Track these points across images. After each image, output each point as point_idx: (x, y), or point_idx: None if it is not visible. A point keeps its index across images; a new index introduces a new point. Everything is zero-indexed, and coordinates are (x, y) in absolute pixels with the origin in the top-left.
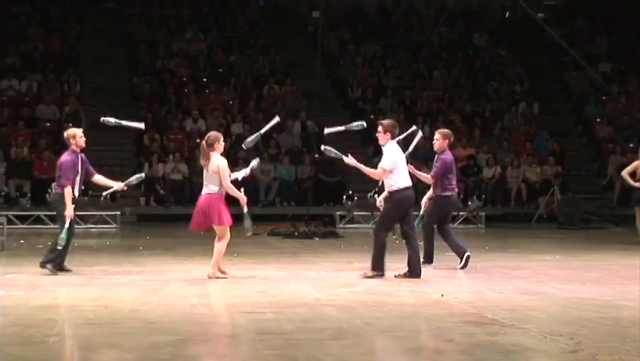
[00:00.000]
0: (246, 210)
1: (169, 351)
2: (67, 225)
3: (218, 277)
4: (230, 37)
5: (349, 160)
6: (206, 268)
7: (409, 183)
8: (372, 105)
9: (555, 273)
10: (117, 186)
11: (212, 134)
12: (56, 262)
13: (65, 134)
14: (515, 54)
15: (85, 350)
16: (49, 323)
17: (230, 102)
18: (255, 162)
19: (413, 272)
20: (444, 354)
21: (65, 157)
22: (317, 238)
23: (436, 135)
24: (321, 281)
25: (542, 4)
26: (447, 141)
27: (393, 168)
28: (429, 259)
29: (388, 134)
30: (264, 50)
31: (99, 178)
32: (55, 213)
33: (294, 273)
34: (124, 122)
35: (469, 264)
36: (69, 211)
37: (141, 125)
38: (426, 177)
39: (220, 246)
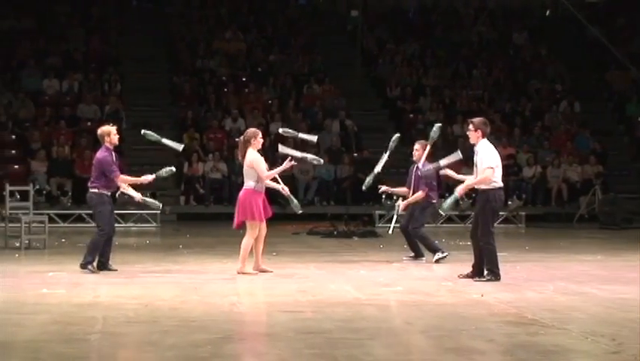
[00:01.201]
0: (287, 193)
1: (208, 349)
2: (151, 200)
3: (245, 273)
4: (269, 37)
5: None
6: (247, 268)
7: (501, 183)
8: (411, 104)
9: (596, 273)
10: (145, 179)
11: (250, 130)
12: (93, 260)
13: (99, 131)
14: (556, 53)
15: (125, 347)
16: (91, 321)
17: (270, 101)
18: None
19: (478, 273)
20: (484, 354)
21: (103, 153)
22: (356, 238)
23: (416, 146)
24: (361, 280)
25: (584, 2)
26: (424, 152)
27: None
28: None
29: (479, 132)
30: (303, 49)
31: (124, 178)
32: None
33: (334, 272)
34: (164, 140)
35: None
36: (138, 195)
37: (179, 147)
38: (404, 191)
39: (246, 241)
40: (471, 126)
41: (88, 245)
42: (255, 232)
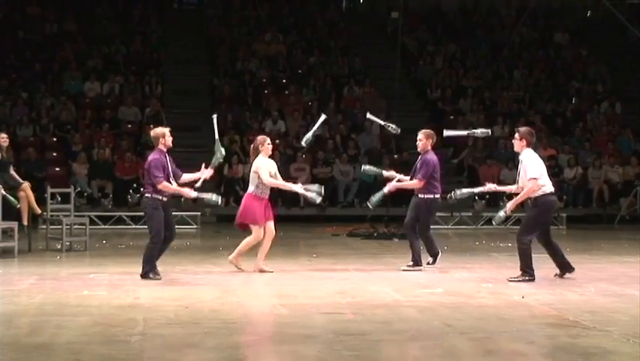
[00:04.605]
0: (302, 192)
1: (249, 351)
2: (207, 195)
3: (234, 263)
4: (309, 39)
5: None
6: (287, 269)
7: (552, 188)
8: (452, 106)
9: (637, 275)
10: (204, 173)
11: (259, 137)
12: (152, 268)
13: (153, 133)
14: (597, 53)
15: (166, 349)
16: (131, 323)
17: (310, 103)
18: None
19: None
20: (525, 356)
21: (153, 156)
22: (396, 239)
23: (419, 135)
24: (401, 282)
25: (625, 3)
26: (430, 141)
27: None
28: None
29: (524, 141)
30: (343, 51)
31: (186, 177)
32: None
33: (374, 274)
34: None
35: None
36: (192, 193)
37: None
38: (412, 184)
39: (248, 240)
40: (517, 135)
41: (143, 256)
42: (260, 234)
